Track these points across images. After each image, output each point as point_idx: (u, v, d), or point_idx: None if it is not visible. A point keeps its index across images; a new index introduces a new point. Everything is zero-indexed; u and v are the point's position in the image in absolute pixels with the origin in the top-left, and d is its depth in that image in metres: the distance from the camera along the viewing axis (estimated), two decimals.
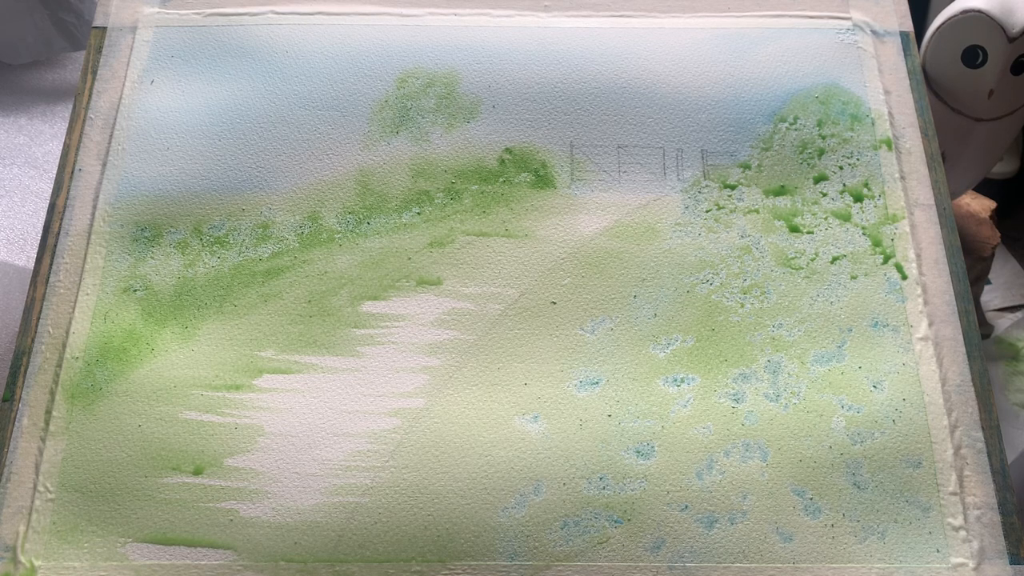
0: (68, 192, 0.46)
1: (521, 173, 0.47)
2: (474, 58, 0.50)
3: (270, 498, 0.40)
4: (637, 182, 0.47)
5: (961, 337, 0.44)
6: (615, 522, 0.40)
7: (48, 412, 0.42)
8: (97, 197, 0.46)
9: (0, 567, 0.39)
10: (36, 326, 0.44)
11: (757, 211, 0.47)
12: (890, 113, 0.49)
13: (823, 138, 0.48)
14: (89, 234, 0.45)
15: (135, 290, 0.44)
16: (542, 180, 0.47)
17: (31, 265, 0.62)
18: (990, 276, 0.68)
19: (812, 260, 0.45)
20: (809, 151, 0.48)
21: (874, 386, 0.43)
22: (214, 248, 0.45)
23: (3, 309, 0.56)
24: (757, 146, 0.48)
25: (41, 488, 0.41)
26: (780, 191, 0.47)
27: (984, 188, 0.66)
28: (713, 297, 0.45)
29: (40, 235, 0.46)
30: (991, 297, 0.67)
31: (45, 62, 0.78)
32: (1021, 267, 0.70)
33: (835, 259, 0.45)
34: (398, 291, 0.45)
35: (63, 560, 0.39)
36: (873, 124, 0.48)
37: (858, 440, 0.42)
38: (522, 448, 0.41)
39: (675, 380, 0.43)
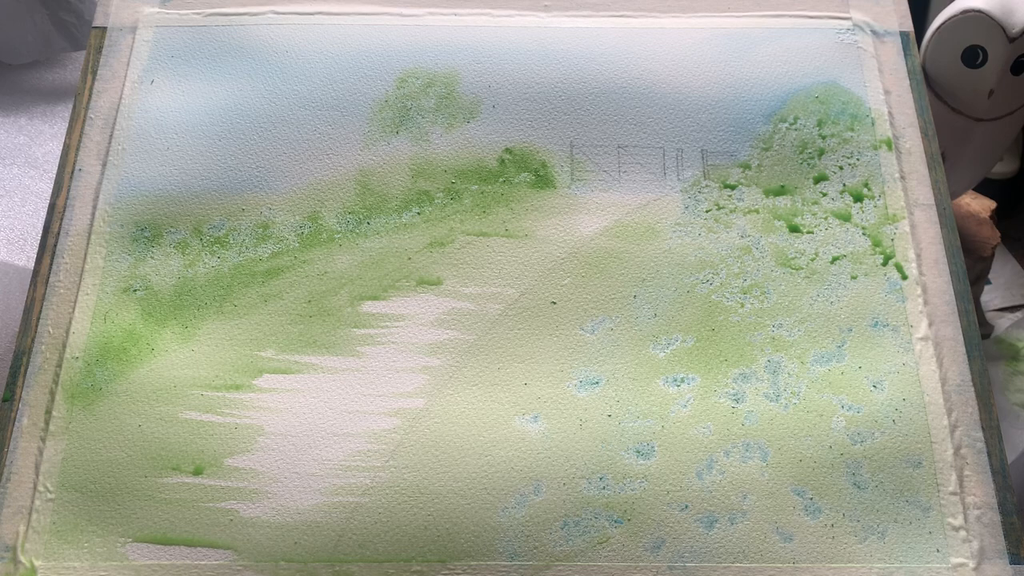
0: (68, 192, 0.46)
1: (521, 173, 0.47)
2: (474, 58, 0.50)
3: (270, 498, 0.40)
4: (637, 182, 0.47)
5: (961, 337, 0.44)
6: (615, 522, 0.40)
7: (48, 412, 0.42)
8: (97, 197, 0.46)
9: (0, 567, 0.39)
10: (36, 326, 0.44)
11: (757, 211, 0.47)
12: (890, 113, 0.49)
13: (823, 138, 0.48)
14: (89, 234, 0.46)
15: (135, 290, 0.44)
16: (542, 180, 0.47)
17: (31, 265, 0.62)
18: (990, 276, 0.68)
19: (812, 260, 0.45)
20: (809, 151, 0.48)
21: (874, 386, 0.43)
22: (214, 248, 0.45)
23: (3, 309, 0.56)
24: (757, 146, 0.48)
25: (41, 488, 0.41)
26: (780, 191, 0.47)
27: (984, 188, 0.66)
28: (713, 297, 0.45)
29: (40, 235, 0.46)
30: (991, 297, 0.67)
31: (45, 62, 0.78)
32: (1021, 267, 0.70)
33: (835, 259, 0.45)
34: (398, 291, 0.45)
35: (63, 560, 0.39)
36: (873, 124, 0.48)
37: (858, 440, 0.42)
38: (522, 448, 0.41)
39: (675, 380, 0.43)
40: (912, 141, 0.48)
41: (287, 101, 0.49)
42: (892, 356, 0.43)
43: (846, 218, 0.46)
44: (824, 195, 0.47)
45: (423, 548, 0.40)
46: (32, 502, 0.40)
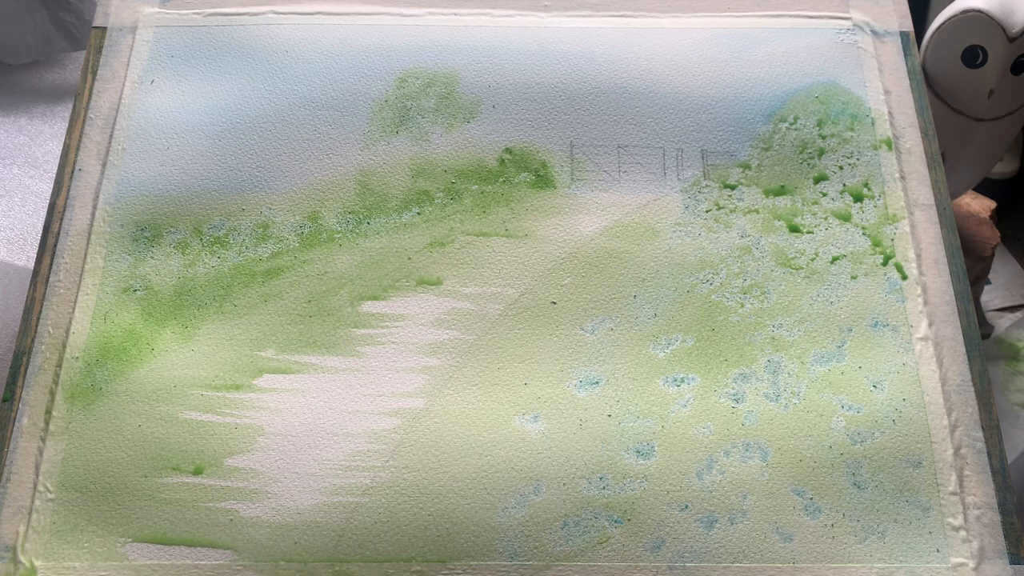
0: (68, 192, 0.46)
1: (521, 173, 0.47)
2: (474, 58, 0.50)
3: (270, 498, 0.40)
4: (637, 182, 0.47)
5: (961, 337, 0.44)
6: (615, 522, 0.40)
7: (48, 412, 0.42)
8: (97, 197, 0.46)
9: (0, 567, 0.39)
10: (36, 326, 0.44)
11: (757, 211, 0.47)
12: (890, 113, 0.49)
13: (823, 138, 0.48)
14: (89, 234, 0.46)
15: (135, 290, 0.44)
16: (542, 180, 0.47)
17: (31, 265, 0.62)
18: (990, 276, 0.68)
19: (812, 260, 0.45)
20: (809, 151, 0.48)
21: (874, 386, 0.43)
22: (214, 248, 0.45)
23: (3, 309, 0.56)
24: (757, 146, 0.48)
25: (41, 488, 0.41)
26: (780, 191, 0.47)
27: (984, 188, 0.66)
28: (713, 297, 0.45)
29: (40, 235, 0.46)
30: (991, 297, 0.67)
31: (45, 62, 0.78)
32: (1021, 267, 0.70)
33: (835, 259, 0.45)
34: (398, 291, 0.45)
35: (63, 560, 0.39)
36: (873, 124, 0.48)
37: (858, 440, 0.42)
38: (522, 448, 0.41)
39: (675, 380, 0.43)
40: (912, 141, 0.48)
41: (287, 101, 0.49)
42: (892, 356, 0.43)
43: (846, 218, 0.46)
44: (824, 195, 0.47)
45: (423, 548, 0.40)
46: (32, 502, 0.40)
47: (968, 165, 0.58)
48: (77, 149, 0.48)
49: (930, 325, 0.44)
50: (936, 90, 0.56)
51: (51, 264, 0.45)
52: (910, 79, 0.50)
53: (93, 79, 0.49)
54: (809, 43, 0.50)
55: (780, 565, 0.39)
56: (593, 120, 0.48)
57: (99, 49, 0.50)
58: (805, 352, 0.43)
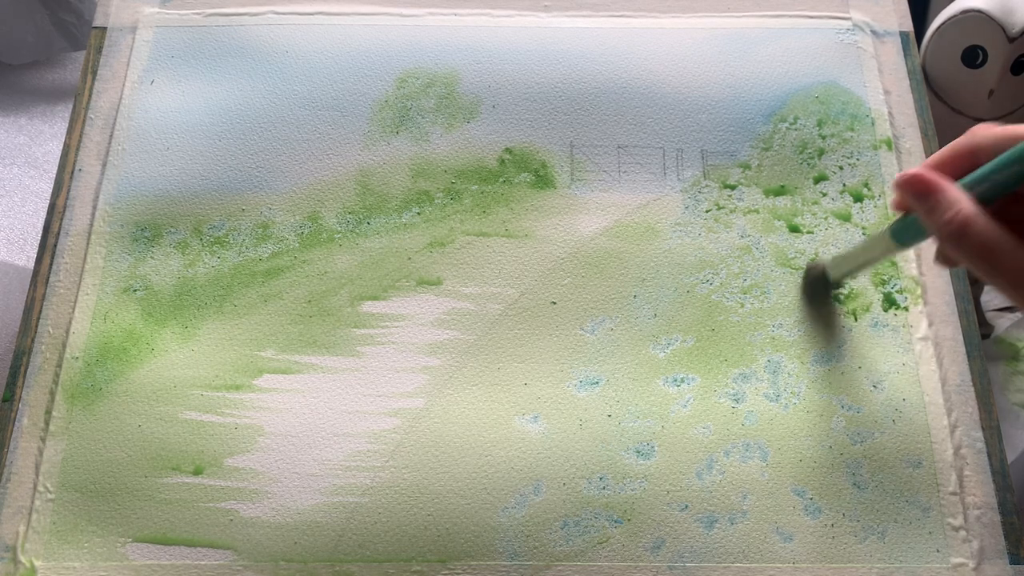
0: (68, 192, 0.46)
1: (521, 173, 0.47)
2: (474, 58, 0.50)
3: (270, 498, 0.40)
4: (637, 182, 0.47)
5: (961, 337, 0.44)
6: (615, 522, 0.40)
7: (48, 412, 0.42)
8: (97, 197, 0.46)
9: (0, 567, 0.39)
10: (36, 326, 0.44)
11: (757, 211, 0.47)
12: (890, 113, 0.49)
13: (823, 138, 0.48)
14: (89, 234, 0.46)
15: (135, 290, 0.44)
16: (542, 180, 0.47)
17: (31, 265, 0.62)
18: None
19: (812, 260, 0.45)
20: (809, 151, 0.48)
21: (874, 386, 0.43)
22: (214, 248, 0.45)
23: (3, 309, 0.56)
24: (757, 146, 0.48)
25: (41, 488, 0.41)
26: (780, 191, 0.47)
27: None
28: (713, 297, 0.45)
29: (40, 235, 0.46)
30: (991, 297, 0.67)
31: (45, 62, 0.78)
32: None
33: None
34: (398, 291, 0.45)
35: (63, 560, 0.39)
36: (873, 124, 0.48)
37: (858, 440, 0.42)
38: (522, 448, 0.41)
39: (675, 380, 0.43)
40: (912, 141, 0.48)
41: (287, 101, 0.49)
42: (892, 356, 0.43)
43: (846, 218, 0.46)
44: (824, 195, 0.47)
45: (423, 548, 0.40)
46: (32, 502, 0.40)
47: None
48: (77, 149, 0.48)
49: (930, 325, 0.44)
50: (936, 90, 0.56)
51: (51, 264, 0.45)
52: (910, 79, 0.50)
53: (93, 79, 0.49)
54: (809, 43, 0.50)
55: (780, 565, 0.39)
56: (593, 120, 0.48)
57: (99, 49, 0.50)
58: (805, 352, 0.43)
